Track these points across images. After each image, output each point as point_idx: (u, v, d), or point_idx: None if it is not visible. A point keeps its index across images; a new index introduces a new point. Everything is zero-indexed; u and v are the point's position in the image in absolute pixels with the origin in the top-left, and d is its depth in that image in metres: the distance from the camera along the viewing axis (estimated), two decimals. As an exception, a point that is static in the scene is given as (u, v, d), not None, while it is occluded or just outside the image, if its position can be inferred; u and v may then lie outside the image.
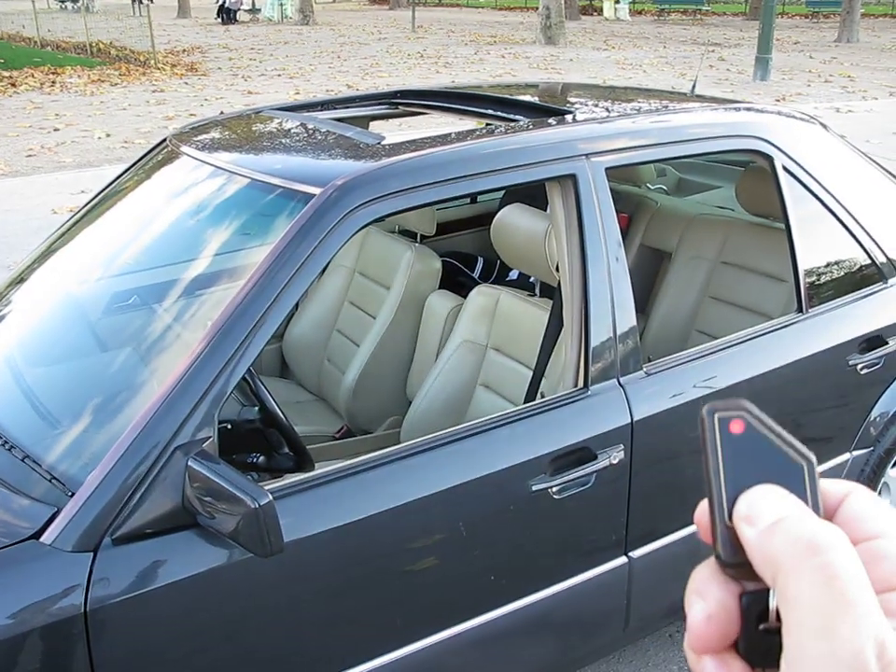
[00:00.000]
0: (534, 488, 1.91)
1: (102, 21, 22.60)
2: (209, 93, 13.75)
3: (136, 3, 28.59)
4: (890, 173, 2.88)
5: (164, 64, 17.53)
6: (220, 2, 32.19)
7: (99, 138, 10.13)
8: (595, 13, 37.60)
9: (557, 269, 2.13)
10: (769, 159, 2.41)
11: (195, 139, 2.39)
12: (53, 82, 15.25)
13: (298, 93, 13.49)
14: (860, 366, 2.47)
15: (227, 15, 31.54)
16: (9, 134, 10.38)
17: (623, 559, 2.14)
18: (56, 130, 10.71)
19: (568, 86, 3.22)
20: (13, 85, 14.80)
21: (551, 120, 2.24)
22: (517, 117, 2.36)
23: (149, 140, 9.71)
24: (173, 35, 25.40)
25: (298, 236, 1.74)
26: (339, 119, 2.45)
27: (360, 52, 20.41)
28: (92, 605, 1.52)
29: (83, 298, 2.37)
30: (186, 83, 15.10)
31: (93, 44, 20.14)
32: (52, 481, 1.65)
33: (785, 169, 2.42)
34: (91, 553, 1.55)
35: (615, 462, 2.00)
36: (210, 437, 1.64)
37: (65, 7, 35.47)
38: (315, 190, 1.82)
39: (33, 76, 15.99)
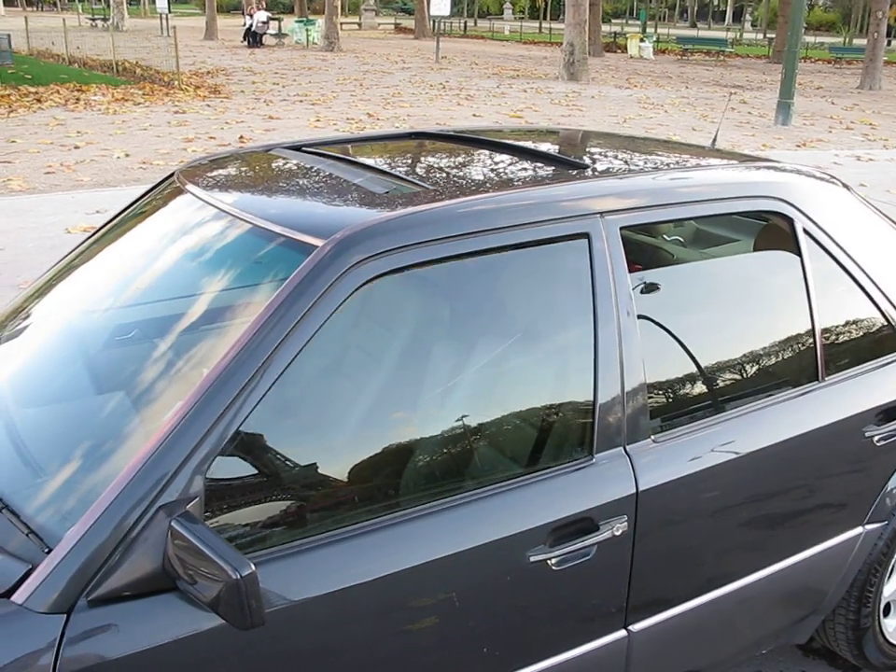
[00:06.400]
0: (532, 559, 1.83)
1: (130, 41, 22.89)
2: (230, 116, 13.82)
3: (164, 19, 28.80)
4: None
5: (188, 86, 17.67)
6: (247, 25, 32.56)
7: (118, 158, 10.16)
8: (619, 50, 37.85)
9: None
10: (789, 220, 2.35)
11: (202, 177, 2.35)
12: (78, 99, 15.38)
13: (318, 120, 13.55)
14: (876, 437, 2.39)
15: (253, 38, 31.90)
16: (30, 150, 10.44)
17: (622, 632, 2.06)
18: (77, 147, 10.76)
19: (587, 135, 3.17)
20: (38, 101, 14.95)
21: (566, 176, 2.18)
22: (533, 168, 2.31)
23: (168, 162, 9.76)
24: (198, 56, 25.66)
25: (297, 290, 1.68)
26: (350, 162, 2.39)
27: (383, 81, 20.53)
28: (62, 670, 1.45)
29: (81, 331, 2.31)
30: (208, 105, 15.19)
31: (120, 63, 20.35)
32: (29, 535, 1.59)
33: (805, 231, 2.36)
34: (65, 615, 1.48)
35: (618, 534, 1.92)
36: (197, 496, 1.57)
37: (96, 24, 36.02)
38: (317, 242, 1.76)
39: (58, 92, 16.14)
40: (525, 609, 1.89)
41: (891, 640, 2.71)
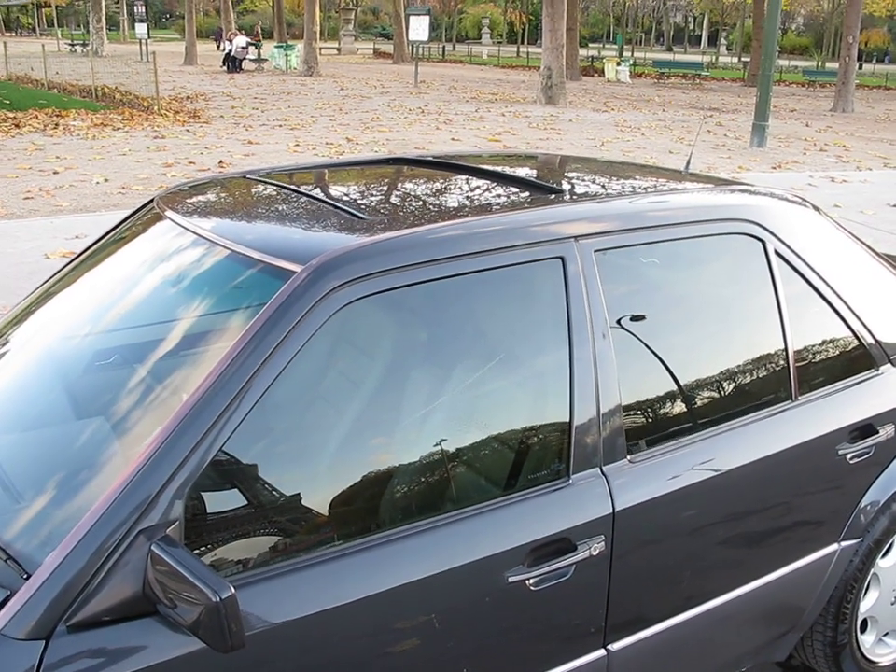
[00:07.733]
0: (510, 579, 1.85)
1: (109, 66, 22.88)
2: (210, 141, 13.84)
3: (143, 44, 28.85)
4: (888, 258, 2.86)
5: (167, 111, 17.68)
6: (226, 51, 32.68)
7: (97, 183, 10.15)
8: (597, 74, 38.24)
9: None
10: (761, 242, 2.39)
11: (181, 203, 2.36)
12: (56, 124, 15.35)
13: (298, 145, 13.59)
14: (849, 455, 2.42)
15: (232, 63, 32.00)
16: (9, 176, 10.41)
17: (601, 651, 2.07)
18: (55, 173, 10.74)
19: (563, 160, 3.21)
20: (17, 126, 14.91)
21: (541, 200, 2.22)
22: (509, 193, 2.34)
23: (147, 187, 9.75)
24: (178, 81, 25.70)
25: (275, 315, 1.69)
26: (328, 188, 2.42)
27: (362, 106, 20.62)
28: (40, 698, 1.45)
29: (62, 356, 2.31)
30: (187, 130, 15.20)
31: (99, 88, 20.34)
32: (8, 561, 1.59)
33: (777, 253, 2.40)
34: (44, 642, 1.48)
35: (595, 553, 1.94)
36: (177, 520, 1.58)
37: (75, 50, 36.04)
38: (295, 267, 1.78)
39: (37, 117, 16.11)
40: (503, 629, 1.91)
41: (868, 656, 2.74)
